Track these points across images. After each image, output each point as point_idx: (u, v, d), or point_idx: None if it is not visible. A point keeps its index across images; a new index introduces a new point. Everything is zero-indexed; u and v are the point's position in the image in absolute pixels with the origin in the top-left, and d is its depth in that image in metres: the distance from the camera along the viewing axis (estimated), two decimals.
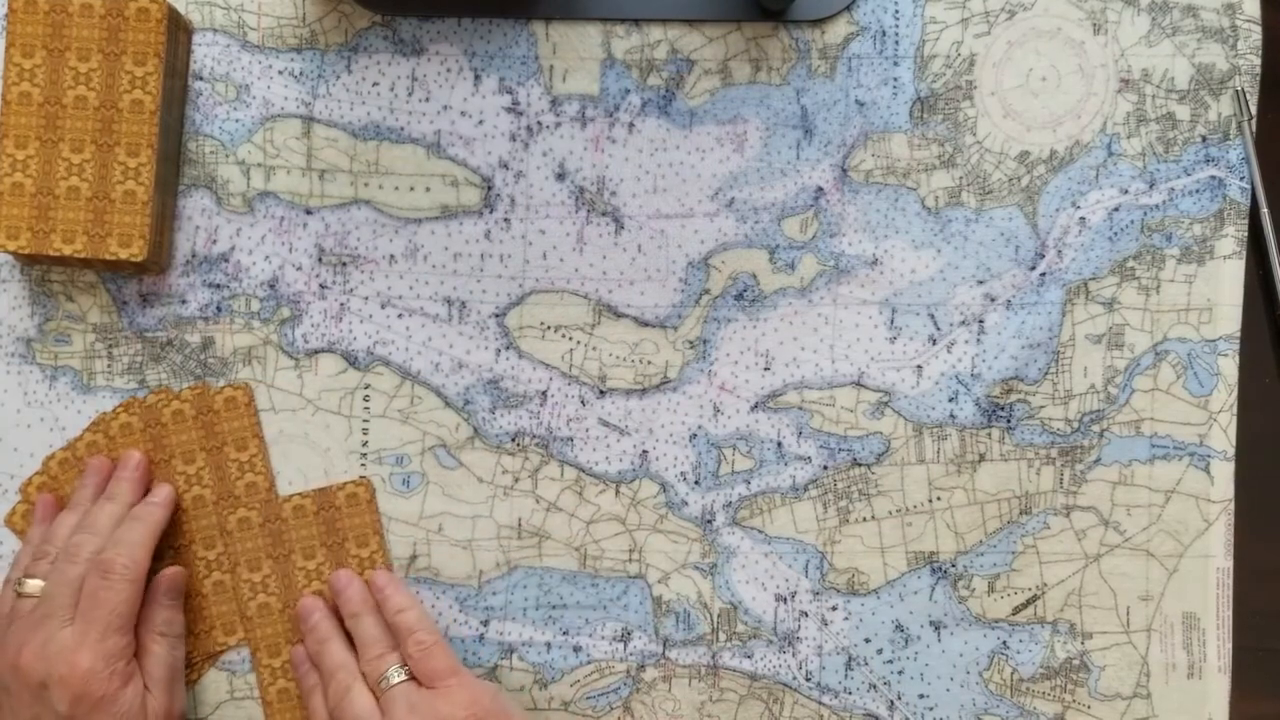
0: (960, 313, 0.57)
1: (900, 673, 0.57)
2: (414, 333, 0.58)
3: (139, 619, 0.53)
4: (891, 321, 0.58)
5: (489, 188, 0.58)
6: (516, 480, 0.58)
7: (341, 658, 0.54)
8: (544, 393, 0.58)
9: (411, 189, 0.58)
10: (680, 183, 0.58)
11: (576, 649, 0.58)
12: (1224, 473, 0.57)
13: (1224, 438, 0.57)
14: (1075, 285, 0.57)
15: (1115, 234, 0.57)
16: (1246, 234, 0.57)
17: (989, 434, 0.57)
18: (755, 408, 0.58)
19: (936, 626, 0.57)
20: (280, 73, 0.58)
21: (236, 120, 0.58)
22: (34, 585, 0.53)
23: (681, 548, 0.58)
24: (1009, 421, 0.57)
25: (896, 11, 0.57)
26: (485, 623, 0.58)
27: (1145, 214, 0.57)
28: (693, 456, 0.58)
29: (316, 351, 0.58)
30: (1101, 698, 0.57)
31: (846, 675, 0.57)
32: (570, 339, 0.58)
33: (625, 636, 0.58)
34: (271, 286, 0.58)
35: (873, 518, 0.58)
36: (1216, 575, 0.57)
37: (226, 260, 0.58)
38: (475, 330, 0.58)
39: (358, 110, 0.58)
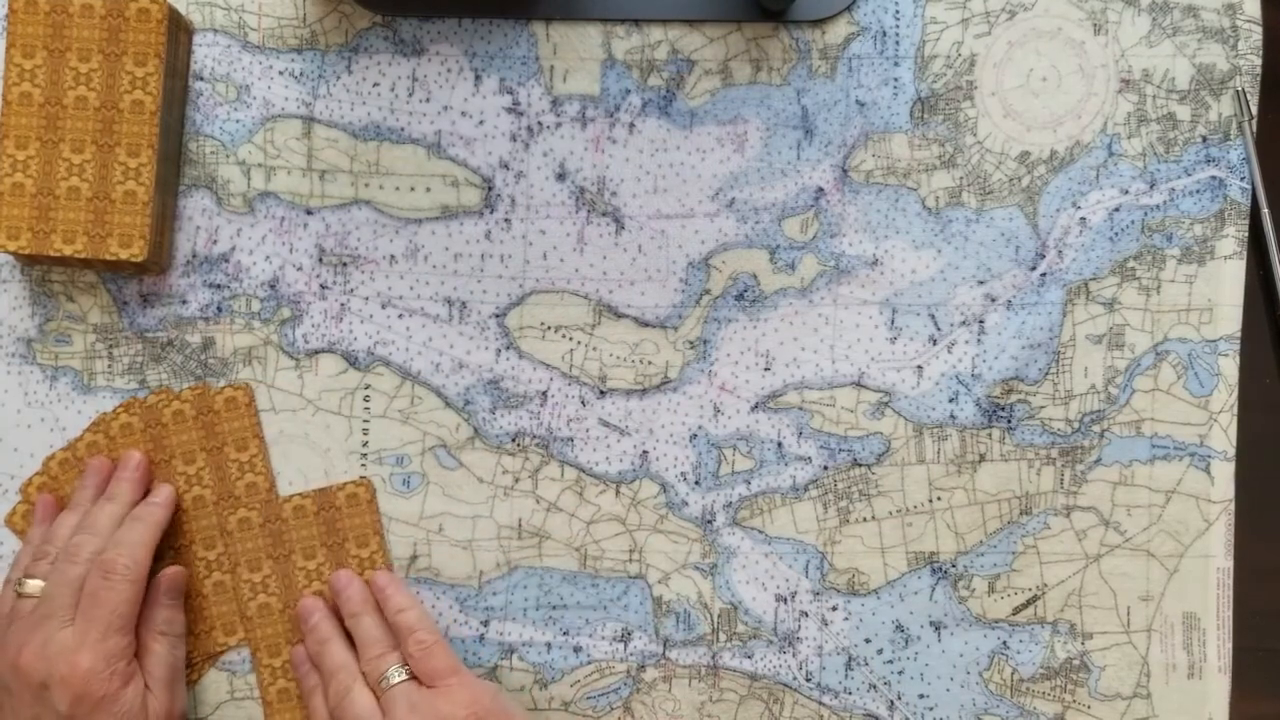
0: (961, 313, 0.57)
1: (900, 673, 0.57)
2: (414, 333, 0.58)
3: (139, 619, 0.53)
4: (892, 322, 0.58)
5: (489, 188, 0.58)
6: (517, 480, 0.58)
7: (342, 658, 0.54)
8: (544, 393, 0.58)
9: (412, 189, 0.58)
10: (681, 183, 0.58)
11: (577, 649, 0.58)
12: (1224, 473, 0.57)
13: (1224, 438, 0.57)
14: (1076, 285, 0.57)
15: (1116, 234, 0.57)
16: (1247, 234, 0.57)
17: (989, 434, 0.57)
18: (755, 408, 0.58)
19: (937, 627, 0.57)
20: (281, 73, 0.58)
21: (237, 120, 0.58)
22: (34, 585, 0.53)
23: (682, 548, 0.58)
24: (1009, 422, 0.57)
25: (897, 12, 0.57)
26: (485, 623, 0.58)
27: (1146, 214, 0.57)
28: (693, 457, 0.58)
29: (317, 352, 0.58)
30: (1102, 698, 0.57)
31: (847, 675, 0.57)
32: (570, 339, 0.58)
33: (625, 637, 0.58)
34: (272, 287, 0.58)
35: (873, 518, 0.58)
36: (1217, 575, 0.57)
37: (227, 260, 0.58)
38: (475, 330, 0.58)
39: (358, 110, 0.58)
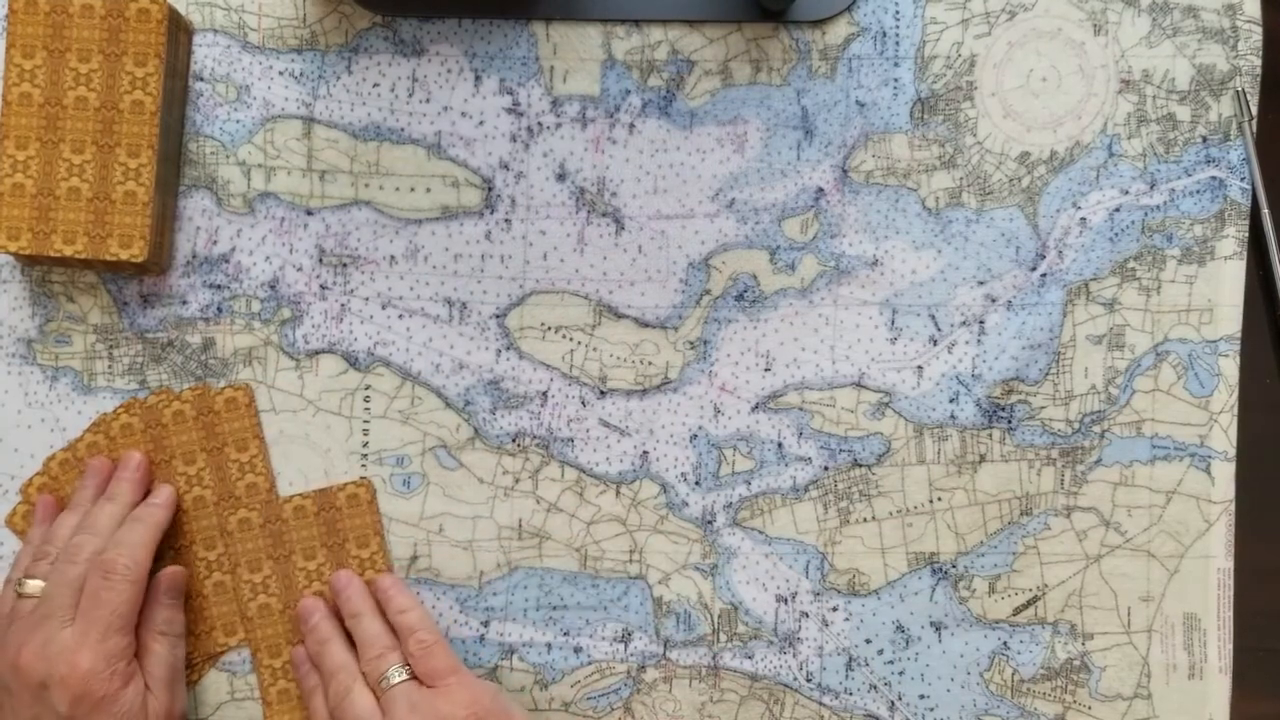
0: (961, 313, 0.57)
1: (901, 673, 0.57)
2: (414, 333, 0.58)
3: (139, 619, 0.53)
4: (892, 322, 0.58)
5: (489, 188, 0.58)
6: (517, 481, 0.58)
7: (342, 658, 0.54)
8: (544, 393, 0.58)
9: (412, 190, 0.58)
10: (681, 183, 0.58)
11: (577, 650, 0.58)
12: (1225, 473, 0.57)
13: (1225, 438, 0.57)
14: (1076, 286, 0.57)
15: (1116, 234, 0.57)
16: (1247, 234, 0.57)
17: (990, 435, 0.57)
18: (756, 408, 0.58)
19: (937, 627, 0.57)
20: (281, 73, 0.58)
21: (237, 121, 0.58)
22: (34, 585, 0.53)
23: (682, 548, 0.58)
24: (1010, 422, 0.57)
25: (897, 12, 0.57)
26: (486, 623, 0.58)
27: (1146, 214, 0.57)
28: (693, 457, 0.58)
29: (317, 352, 0.58)
30: (1102, 698, 0.57)
31: (847, 676, 0.57)
32: (571, 339, 0.58)
33: (626, 637, 0.58)
34: (272, 287, 0.58)
35: (873, 518, 0.58)
36: (1217, 576, 0.57)
37: (227, 261, 0.58)
38: (476, 331, 0.58)
39: (358, 111, 0.58)
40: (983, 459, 0.57)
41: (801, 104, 0.58)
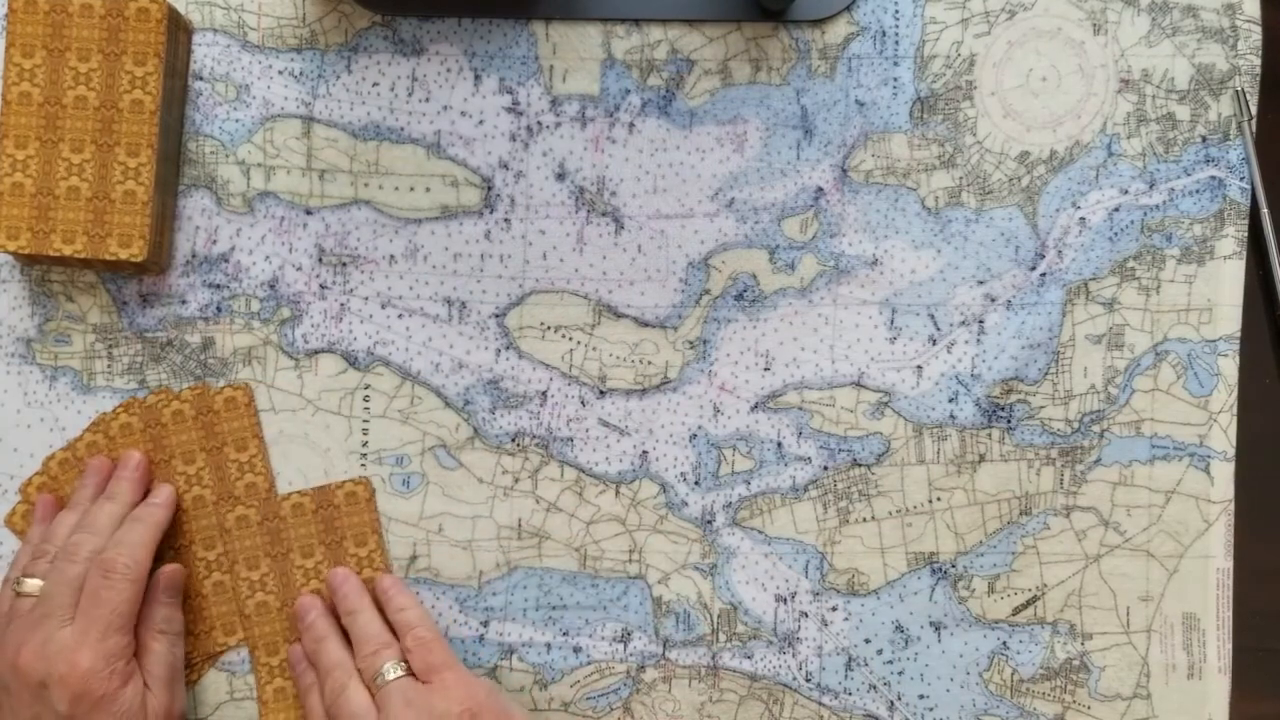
0: (960, 313, 0.57)
1: (900, 673, 0.57)
2: (414, 333, 0.58)
3: (138, 617, 0.53)
4: (891, 322, 0.58)
5: (489, 188, 0.58)
6: (516, 481, 0.58)
7: (338, 656, 0.54)
8: (544, 393, 0.58)
9: (411, 189, 0.58)
10: (680, 183, 0.58)
11: (576, 649, 0.58)
12: (1224, 473, 0.57)
13: (1224, 438, 0.57)
14: (1075, 285, 0.57)
15: (1115, 234, 0.57)
16: (1246, 234, 0.57)
17: (989, 434, 0.57)
18: (755, 408, 0.58)
19: (936, 627, 0.57)
20: (280, 73, 0.58)
21: (236, 120, 0.58)
22: (33, 585, 0.53)
23: (681, 548, 0.58)
24: (1009, 422, 0.57)
25: (896, 12, 0.57)
26: (485, 623, 0.58)
27: (1145, 214, 0.57)
28: (693, 457, 0.58)
29: (316, 352, 0.58)
30: (1101, 698, 0.57)
31: (846, 676, 0.57)
32: (570, 339, 0.58)
33: (625, 637, 0.58)
34: (271, 287, 0.58)
35: (873, 518, 0.58)
36: (1216, 576, 0.57)
37: (226, 260, 0.58)
38: (475, 330, 0.58)
39: (358, 110, 0.58)
40: (982, 459, 0.57)
41: (801, 103, 0.58)
